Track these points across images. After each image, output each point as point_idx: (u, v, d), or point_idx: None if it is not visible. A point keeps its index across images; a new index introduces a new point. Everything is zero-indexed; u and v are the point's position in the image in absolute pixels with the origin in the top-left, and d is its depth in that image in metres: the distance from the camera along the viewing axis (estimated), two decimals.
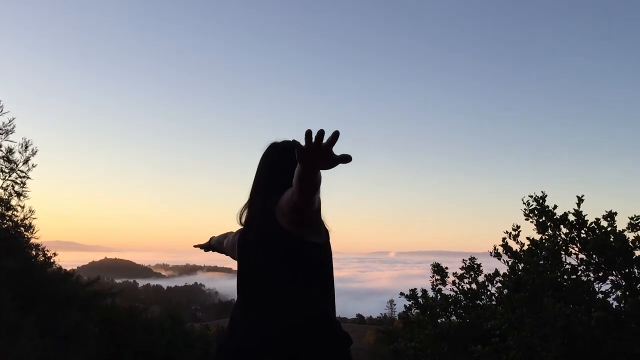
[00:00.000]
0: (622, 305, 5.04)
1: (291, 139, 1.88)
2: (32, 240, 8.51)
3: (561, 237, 5.77)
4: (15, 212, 7.98)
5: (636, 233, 5.32)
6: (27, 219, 8.16)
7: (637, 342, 4.65)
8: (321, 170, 1.38)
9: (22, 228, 8.15)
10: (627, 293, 5.14)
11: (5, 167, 7.66)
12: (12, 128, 7.58)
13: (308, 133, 1.24)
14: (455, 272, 7.38)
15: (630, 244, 5.25)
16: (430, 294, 7.40)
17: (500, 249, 6.45)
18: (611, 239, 5.32)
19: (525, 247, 6.10)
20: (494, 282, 6.84)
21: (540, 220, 5.94)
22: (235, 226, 1.92)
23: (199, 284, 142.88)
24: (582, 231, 5.59)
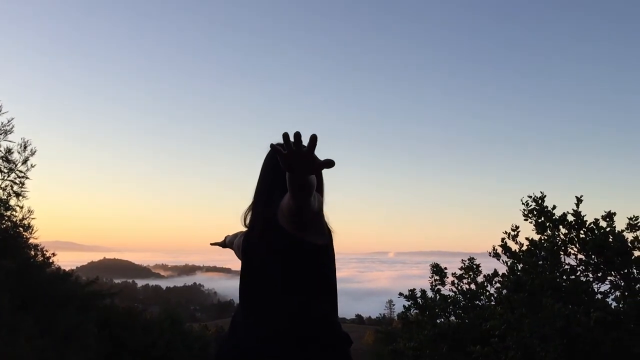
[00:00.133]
0: (621, 305, 5.04)
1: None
2: (31, 241, 8.50)
3: (560, 238, 5.77)
4: (14, 212, 7.97)
5: (635, 233, 5.32)
6: (25, 219, 8.15)
7: (636, 343, 4.65)
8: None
9: (20, 228, 8.14)
10: (626, 293, 5.14)
11: (4, 167, 7.65)
12: (11, 128, 7.56)
13: (285, 136, 1.22)
14: (454, 273, 7.38)
15: (629, 244, 5.26)
16: (429, 294, 7.41)
17: (499, 250, 6.46)
18: (610, 240, 5.32)
19: (524, 248, 6.11)
20: (493, 282, 6.84)
21: (539, 220, 5.94)
22: (237, 227, 1.92)
23: (197, 284, 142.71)
24: (581, 231, 5.59)
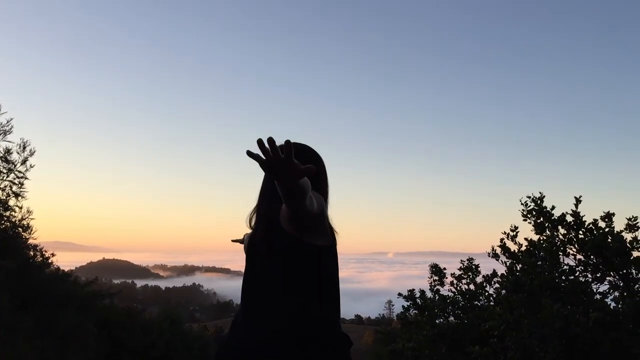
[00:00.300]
0: (620, 306, 5.05)
1: (288, 141, 1.88)
2: (30, 241, 8.48)
3: (559, 238, 5.77)
4: (13, 213, 7.95)
5: (634, 234, 5.33)
6: (25, 219, 8.13)
7: (635, 343, 4.65)
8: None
9: (20, 229, 8.12)
10: (625, 294, 5.15)
11: (3, 167, 7.63)
12: (10, 128, 7.54)
13: (259, 142, 1.19)
14: (454, 273, 7.38)
15: (628, 244, 5.26)
16: (429, 294, 7.41)
17: (499, 250, 6.46)
18: (609, 240, 5.33)
19: (524, 248, 6.11)
20: (492, 282, 6.84)
21: (538, 221, 5.94)
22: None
23: (197, 284, 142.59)
24: (580, 232, 5.60)
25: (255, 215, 1.84)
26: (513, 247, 6.31)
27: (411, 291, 7.50)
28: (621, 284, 5.32)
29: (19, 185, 7.76)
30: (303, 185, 1.35)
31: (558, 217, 5.77)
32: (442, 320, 7.00)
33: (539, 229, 5.94)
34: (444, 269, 7.57)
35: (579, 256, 5.65)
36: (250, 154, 1.23)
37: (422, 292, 7.45)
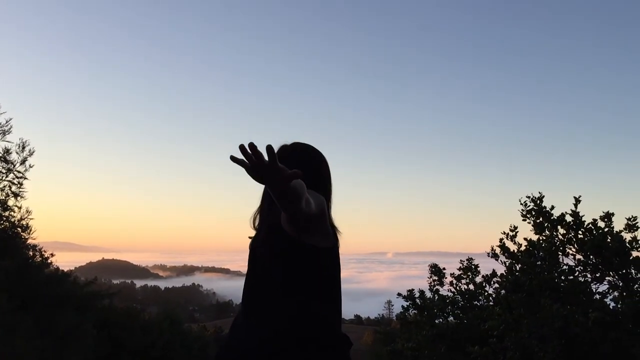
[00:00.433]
0: (619, 305, 5.05)
1: (296, 141, 1.88)
2: (30, 241, 8.46)
3: (558, 238, 5.77)
4: (12, 213, 7.93)
5: (633, 234, 5.33)
6: (24, 219, 8.11)
7: (635, 343, 4.65)
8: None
9: (19, 229, 8.11)
10: (624, 294, 5.15)
11: (2, 167, 7.62)
12: (9, 128, 7.52)
13: (241, 148, 1.18)
14: (453, 273, 7.39)
15: (627, 244, 5.27)
16: (428, 294, 7.41)
17: (498, 250, 6.46)
18: (608, 240, 5.33)
19: (523, 248, 6.11)
20: (492, 282, 6.84)
21: (538, 221, 5.94)
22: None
23: (196, 284, 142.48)
24: (580, 232, 5.60)
25: (258, 216, 1.84)
26: (512, 247, 6.32)
27: (410, 291, 7.50)
28: (620, 284, 5.33)
29: (18, 185, 7.75)
30: (295, 188, 1.33)
31: (557, 217, 5.77)
32: (441, 320, 7.01)
33: (538, 229, 5.95)
34: (444, 269, 7.57)
35: (578, 256, 5.65)
36: (234, 159, 1.21)
37: (422, 292, 7.45)
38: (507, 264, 6.28)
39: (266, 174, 1.22)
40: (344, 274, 1.80)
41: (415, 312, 7.39)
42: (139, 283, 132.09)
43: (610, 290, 5.40)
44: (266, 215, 1.77)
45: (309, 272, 1.66)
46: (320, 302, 1.66)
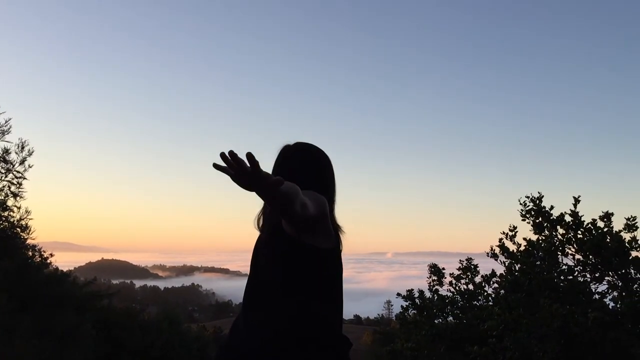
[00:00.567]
0: (618, 305, 5.05)
1: (299, 141, 1.88)
2: (29, 241, 8.47)
3: (558, 238, 5.78)
4: (11, 213, 7.94)
5: (632, 234, 5.34)
6: (23, 219, 8.12)
7: (634, 343, 4.66)
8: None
9: (18, 229, 8.11)
10: (624, 294, 5.15)
11: (2, 167, 7.62)
12: (9, 128, 7.53)
13: (222, 156, 1.17)
14: (452, 273, 7.40)
15: (626, 244, 5.27)
16: (427, 294, 7.42)
17: (497, 250, 6.47)
18: (607, 240, 5.33)
19: (522, 248, 6.11)
20: (491, 282, 6.85)
21: (537, 220, 5.95)
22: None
23: (196, 284, 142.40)
24: (579, 232, 5.60)
25: (262, 217, 1.84)
26: (512, 247, 6.33)
27: (410, 291, 7.51)
28: (620, 284, 5.33)
29: (18, 186, 7.75)
30: (287, 192, 1.32)
31: (557, 217, 5.77)
32: (440, 320, 7.01)
33: (537, 228, 5.95)
34: (443, 269, 7.58)
35: (577, 256, 5.65)
36: (216, 166, 1.20)
37: (421, 292, 7.46)
38: (507, 264, 6.29)
39: (250, 181, 1.21)
40: (343, 274, 1.80)
41: (415, 312, 7.40)
42: (138, 283, 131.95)
43: (610, 290, 5.40)
44: (269, 215, 1.77)
45: (309, 272, 1.66)
46: (321, 302, 1.66)
